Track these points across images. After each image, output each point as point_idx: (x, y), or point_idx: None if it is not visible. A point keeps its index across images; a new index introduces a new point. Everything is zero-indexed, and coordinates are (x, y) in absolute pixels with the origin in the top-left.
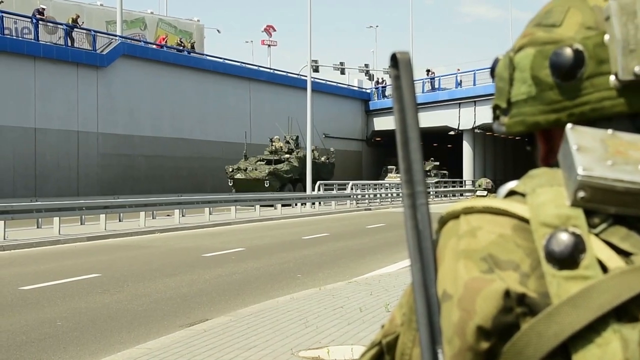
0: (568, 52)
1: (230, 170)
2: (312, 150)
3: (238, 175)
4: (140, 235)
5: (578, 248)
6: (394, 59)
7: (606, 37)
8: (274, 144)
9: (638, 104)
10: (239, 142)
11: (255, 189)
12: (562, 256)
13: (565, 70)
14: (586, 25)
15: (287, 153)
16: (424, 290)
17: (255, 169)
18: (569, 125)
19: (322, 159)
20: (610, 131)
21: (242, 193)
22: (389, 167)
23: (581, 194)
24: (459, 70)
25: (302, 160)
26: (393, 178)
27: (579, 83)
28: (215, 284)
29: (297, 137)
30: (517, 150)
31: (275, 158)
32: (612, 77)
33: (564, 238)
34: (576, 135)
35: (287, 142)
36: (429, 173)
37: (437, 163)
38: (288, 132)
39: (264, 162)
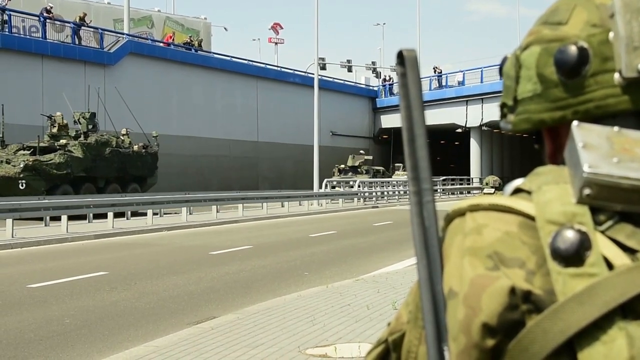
0: (572, 49)
1: None
2: (123, 135)
3: None
4: (148, 233)
5: (584, 245)
6: (400, 56)
7: (611, 34)
8: (56, 123)
9: None
10: (246, 140)
11: (6, 191)
12: (568, 253)
13: (570, 68)
14: (591, 23)
15: (73, 138)
16: (430, 288)
17: (8, 162)
18: (574, 123)
19: (135, 147)
20: (616, 128)
21: (245, 191)
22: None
23: (587, 191)
24: (460, 70)
25: (95, 149)
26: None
27: (583, 80)
28: (222, 282)
29: (94, 114)
30: (524, 148)
31: (43, 145)
32: (616, 75)
33: (570, 235)
34: (582, 133)
35: (77, 122)
36: (358, 170)
37: (370, 157)
38: (87, 106)
39: (28, 152)
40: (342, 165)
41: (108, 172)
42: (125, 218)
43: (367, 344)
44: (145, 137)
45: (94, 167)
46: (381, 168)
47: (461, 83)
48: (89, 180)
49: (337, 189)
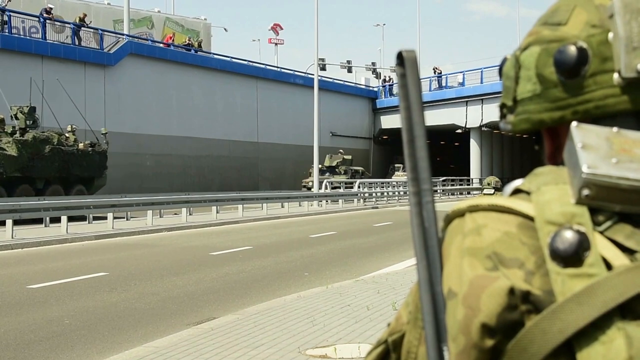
0: (572, 49)
1: None
2: (68, 132)
3: None
4: (148, 234)
5: (582, 246)
6: (400, 57)
7: (610, 35)
8: None
9: None
10: (246, 141)
11: None
12: (567, 254)
13: (569, 68)
14: (591, 24)
15: (9, 134)
16: (429, 288)
17: None
18: (574, 123)
19: (81, 145)
20: (615, 129)
21: (245, 192)
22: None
23: (586, 191)
24: (460, 71)
25: (33, 147)
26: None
27: (582, 80)
28: (222, 283)
29: (34, 108)
30: (524, 149)
31: None
32: (615, 75)
33: (569, 236)
34: (581, 133)
35: (14, 117)
36: (336, 170)
37: (349, 157)
38: (29, 100)
39: None
40: (319, 166)
41: (48, 172)
42: (125, 219)
43: (367, 344)
44: (93, 134)
45: (31, 166)
46: (360, 168)
47: (461, 84)
48: (25, 180)
49: (339, 189)
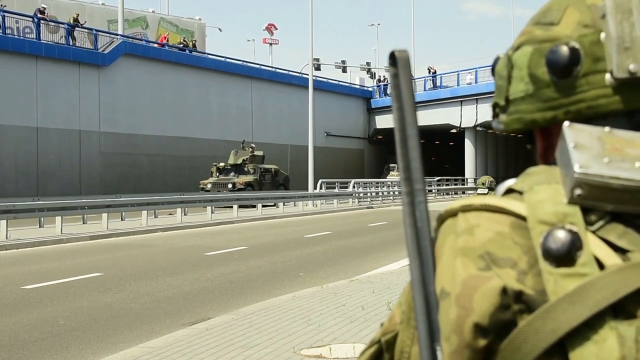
0: (564, 49)
1: None
2: None
3: None
4: (143, 234)
5: (575, 245)
6: (392, 57)
7: (602, 35)
8: None
9: (633, 101)
10: (241, 141)
11: None
12: (559, 253)
13: (561, 68)
14: (583, 24)
15: None
16: (422, 288)
17: None
18: (566, 123)
19: None
20: (607, 129)
21: (242, 192)
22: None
23: (578, 191)
24: (455, 71)
25: None
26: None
27: (574, 81)
28: (217, 283)
29: None
30: (519, 148)
31: None
32: (607, 75)
33: (561, 235)
34: (573, 133)
35: None
36: (244, 169)
37: (260, 154)
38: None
39: None
40: (222, 164)
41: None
42: (120, 219)
43: (361, 344)
44: None
45: None
46: (273, 167)
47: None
48: None
49: (332, 189)
